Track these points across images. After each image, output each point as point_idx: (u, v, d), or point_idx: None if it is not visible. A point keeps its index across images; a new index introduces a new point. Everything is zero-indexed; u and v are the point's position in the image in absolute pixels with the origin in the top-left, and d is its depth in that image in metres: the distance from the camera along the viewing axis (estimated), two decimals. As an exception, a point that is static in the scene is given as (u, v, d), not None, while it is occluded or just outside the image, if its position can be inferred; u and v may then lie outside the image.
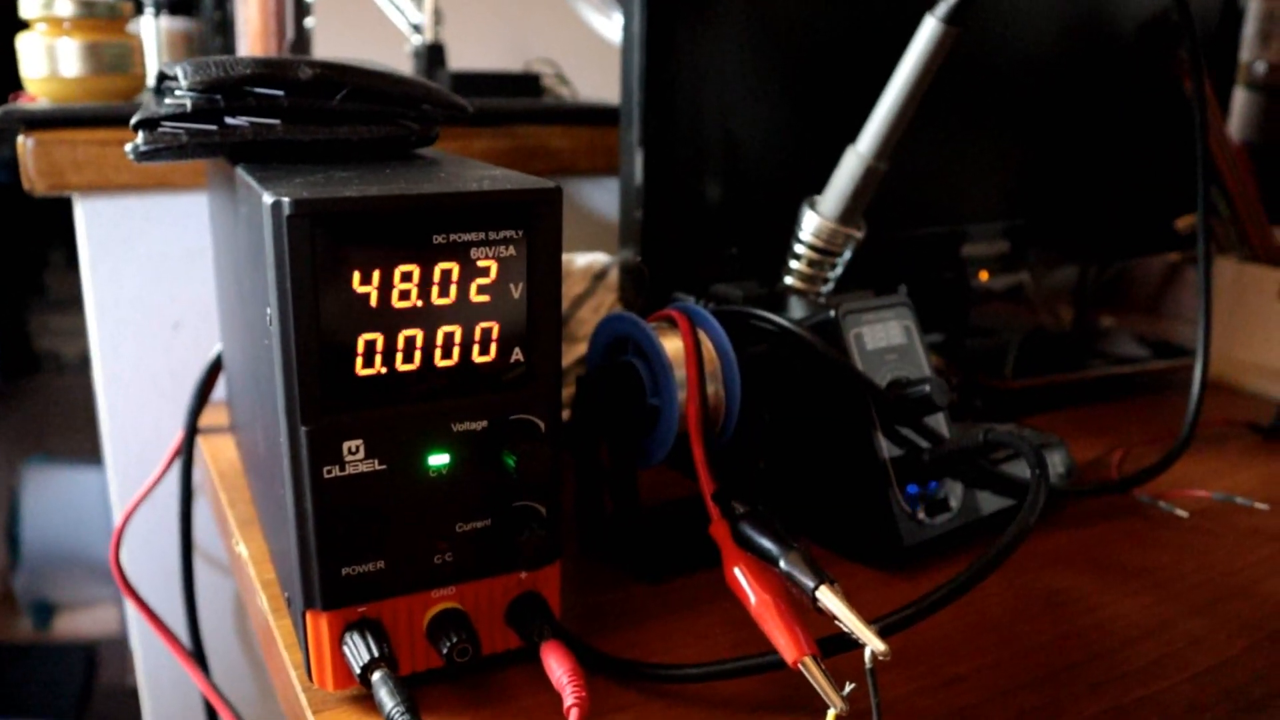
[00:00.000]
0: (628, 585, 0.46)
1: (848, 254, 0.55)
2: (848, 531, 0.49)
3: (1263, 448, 0.66)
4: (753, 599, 0.36)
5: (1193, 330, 0.83)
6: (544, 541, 0.37)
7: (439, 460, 0.36)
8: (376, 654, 0.35)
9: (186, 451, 0.62)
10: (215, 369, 0.62)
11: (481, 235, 0.35)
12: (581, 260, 0.60)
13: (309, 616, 0.36)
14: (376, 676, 0.35)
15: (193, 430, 0.62)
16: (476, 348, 0.36)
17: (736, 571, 0.38)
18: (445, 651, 0.36)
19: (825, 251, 0.54)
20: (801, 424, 0.50)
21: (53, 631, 1.55)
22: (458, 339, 0.35)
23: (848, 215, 0.54)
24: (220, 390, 0.64)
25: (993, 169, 0.73)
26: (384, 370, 0.34)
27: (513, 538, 0.37)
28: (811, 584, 0.35)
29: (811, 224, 0.54)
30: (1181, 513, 0.54)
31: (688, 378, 0.44)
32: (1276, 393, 0.76)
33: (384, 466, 0.35)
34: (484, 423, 0.36)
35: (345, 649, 0.36)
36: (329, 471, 0.34)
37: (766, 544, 0.37)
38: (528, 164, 0.72)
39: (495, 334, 0.36)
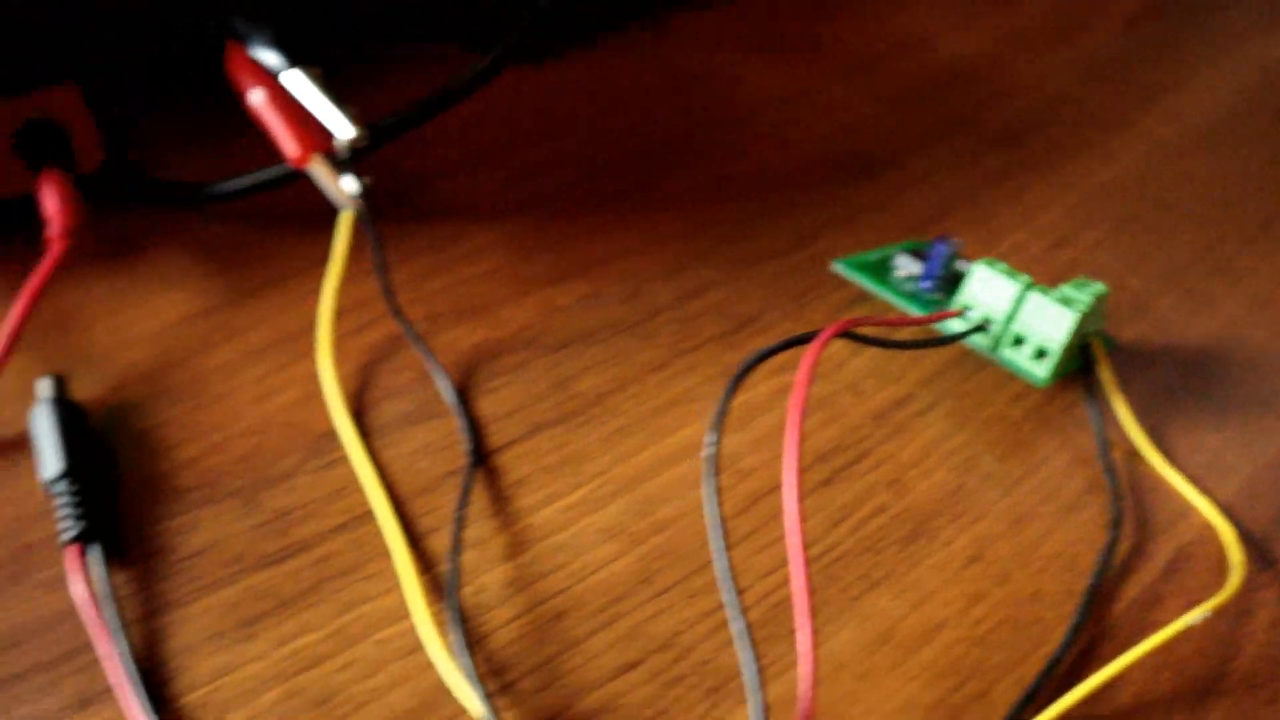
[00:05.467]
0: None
1: None
2: (460, 16, 0.42)
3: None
4: (251, 100, 0.31)
5: None
6: (17, 58, 0.31)
7: None
8: None
9: None
10: None
11: None
12: None
13: None
14: None
15: None
16: None
17: (237, 71, 0.32)
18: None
19: None
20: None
21: None
22: None
23: None
24: None
25: None
26: None
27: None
28: (278, 65, 0.29)
29: None
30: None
31: None
32: None
33: None
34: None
35: None
36: None
37: (242, 28, 0.31)
38: None
39: None
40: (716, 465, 0.23)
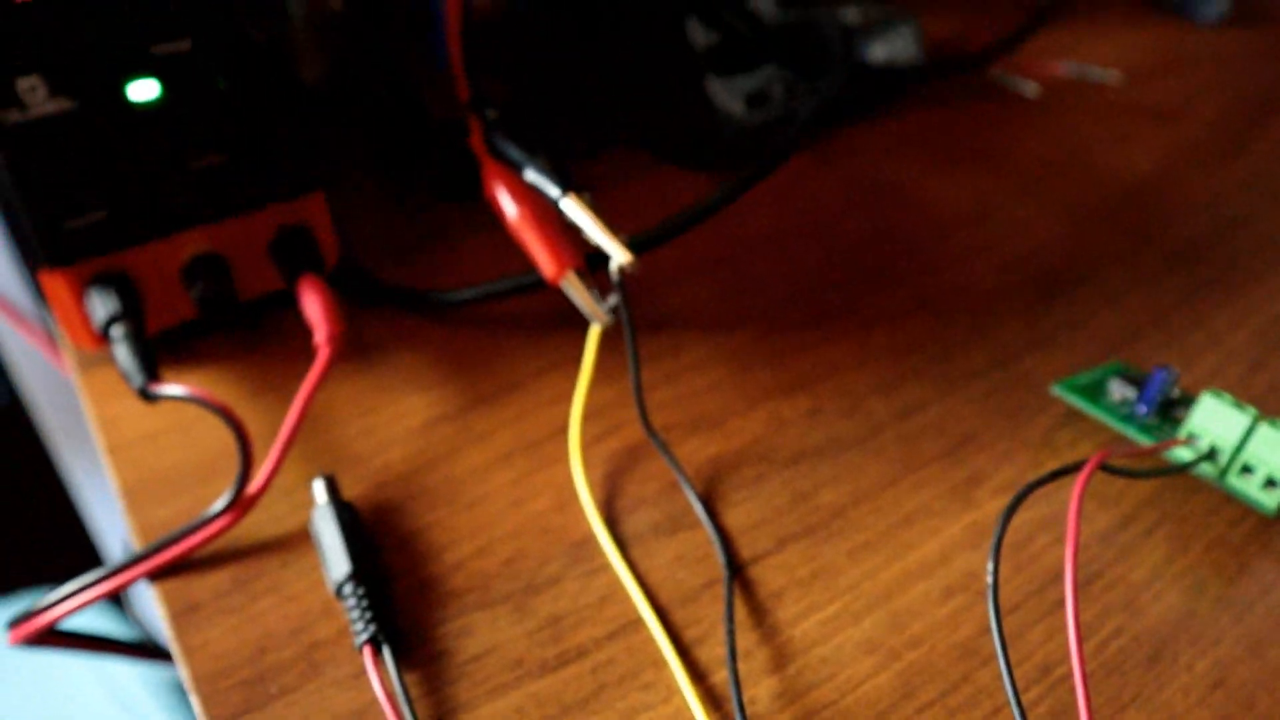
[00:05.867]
0: (436, 209, 0.43)
1: None
2: (665, 131, 0.45)
3: (1147, 15, 0.61)
4: (509, 215, 0.33)
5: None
6: (283, 170, 0.34)
7: (144, 91, 0.31)
8: (113, 309, 0.32)
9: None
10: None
11: None
12: None
13: (44, 278, 0.33)
14: (114, 331, 0.32)
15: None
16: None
17: (495, 187, 0.34)
18: (196, 299, 0.34)
19: None
20: (616, 15, 0.45)
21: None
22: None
23: None
24: None
25: None
26: (51, -9, 0.29)
27: (252, 169, 0.33)
28: (555, 193, 0.32)
29: None
30: (1030, 89, 0.51)
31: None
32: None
33: (75, 104, 0.30)
34: (188, 42, 0.31)
35: (88, 305, 0.33)
36: (9, 117, 0.30)
37: (514, 153, 0.34)
38: None
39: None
40: (997, 595, 0.24)
